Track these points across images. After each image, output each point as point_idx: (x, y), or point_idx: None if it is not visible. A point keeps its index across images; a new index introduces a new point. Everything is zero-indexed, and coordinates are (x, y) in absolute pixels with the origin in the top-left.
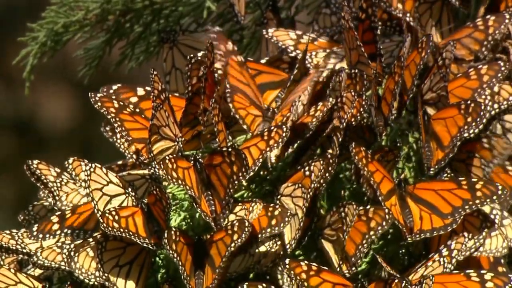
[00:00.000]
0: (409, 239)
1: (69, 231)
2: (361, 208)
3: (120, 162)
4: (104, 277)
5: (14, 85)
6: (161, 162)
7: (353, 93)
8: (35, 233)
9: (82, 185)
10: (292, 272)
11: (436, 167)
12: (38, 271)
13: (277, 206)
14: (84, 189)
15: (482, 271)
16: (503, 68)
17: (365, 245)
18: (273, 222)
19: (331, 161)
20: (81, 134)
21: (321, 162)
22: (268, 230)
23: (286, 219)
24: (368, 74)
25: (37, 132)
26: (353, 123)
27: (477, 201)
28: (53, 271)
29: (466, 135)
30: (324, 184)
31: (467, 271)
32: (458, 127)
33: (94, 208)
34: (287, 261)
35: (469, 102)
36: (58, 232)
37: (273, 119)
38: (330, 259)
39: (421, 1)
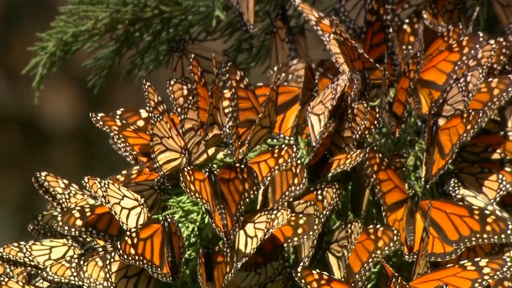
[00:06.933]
0: (406, 257)
1: (94, 232)
2: (370, 226)
3: (124, 172)
4: None
5: (17, 82)
6: (180, 174)
7: (365, 105)
8: (60, 224)
9: (102, 201)
10: (303, 280)
11: (435, 177)
12: (46, 283)
13: (300, 216)
14: (105, 204)
15: (476, 259)
16: None
17: (370, 263)
18: (300, 230)
19: (340, 191)
20: (84, 131)
21: (334, 189)
22: (295, 239)
23: (315, 227)
24: (375, 77)
25: (40, 129)
26: (367, 136)
27: (485, 236)
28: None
29: (463, 140)
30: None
31: (461, 262)
32: (458, 135)
33: (120, 222)
34: (299, 269)
35: (470, 110)
36: (83, 229)
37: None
38: (333, 274)
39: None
